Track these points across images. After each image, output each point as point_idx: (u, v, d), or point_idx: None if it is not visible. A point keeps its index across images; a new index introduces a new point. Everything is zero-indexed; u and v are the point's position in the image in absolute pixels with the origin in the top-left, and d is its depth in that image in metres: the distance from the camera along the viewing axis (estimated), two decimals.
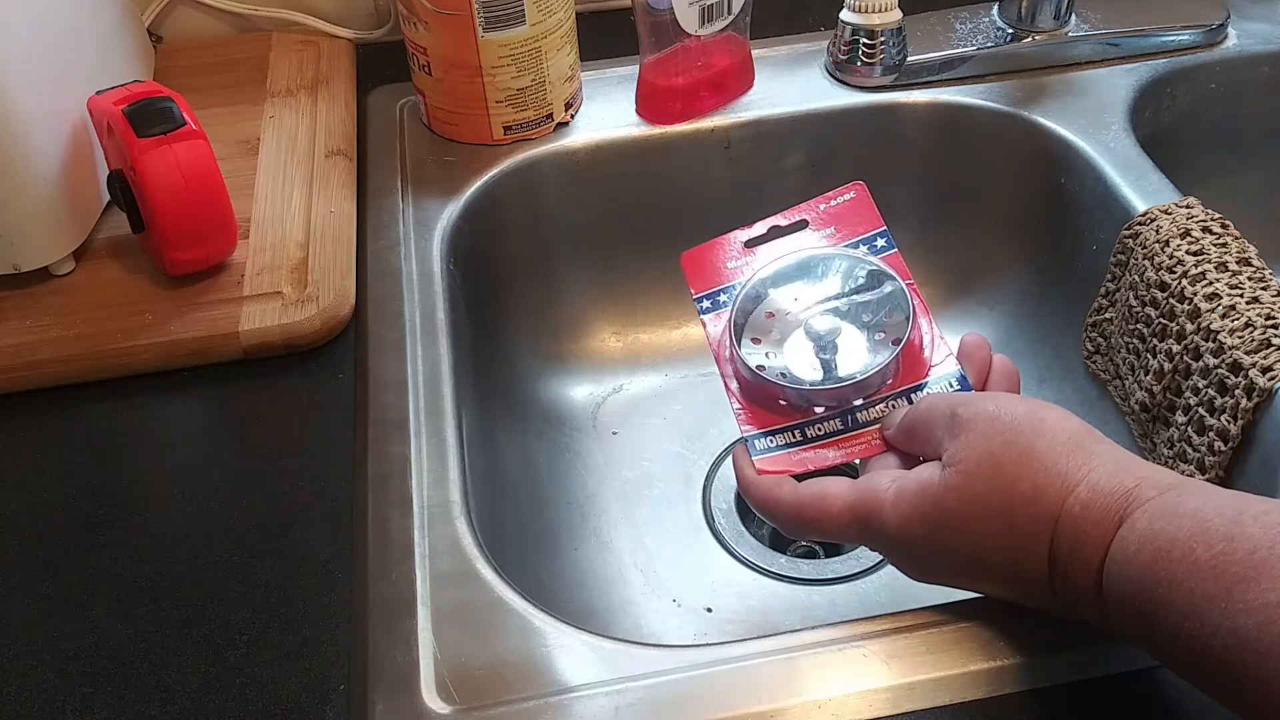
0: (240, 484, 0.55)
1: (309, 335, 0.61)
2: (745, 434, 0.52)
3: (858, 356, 0.52)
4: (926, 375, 0.51)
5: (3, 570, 0.52)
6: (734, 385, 0.53)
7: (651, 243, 0.79)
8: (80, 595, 0.50)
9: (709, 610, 0.67)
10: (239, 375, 0.60)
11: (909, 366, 0.52)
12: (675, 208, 0.78)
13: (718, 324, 0.55)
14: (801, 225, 0.57)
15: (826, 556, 0.72)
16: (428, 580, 0.50)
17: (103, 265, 0.66)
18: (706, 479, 0.74)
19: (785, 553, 0.71)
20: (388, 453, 0.55)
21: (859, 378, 0.51)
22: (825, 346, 0.52)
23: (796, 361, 0.53)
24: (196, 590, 0.50)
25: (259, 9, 0.86)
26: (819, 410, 0.52)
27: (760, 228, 0.57)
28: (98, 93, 0.63)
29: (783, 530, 0.50)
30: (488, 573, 0.50)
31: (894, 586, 0.68)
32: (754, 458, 0.51)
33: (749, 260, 0.57)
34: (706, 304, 0.56)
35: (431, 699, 0.45)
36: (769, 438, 0.51)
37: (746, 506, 0.73)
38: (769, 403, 0.52)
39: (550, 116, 0.74)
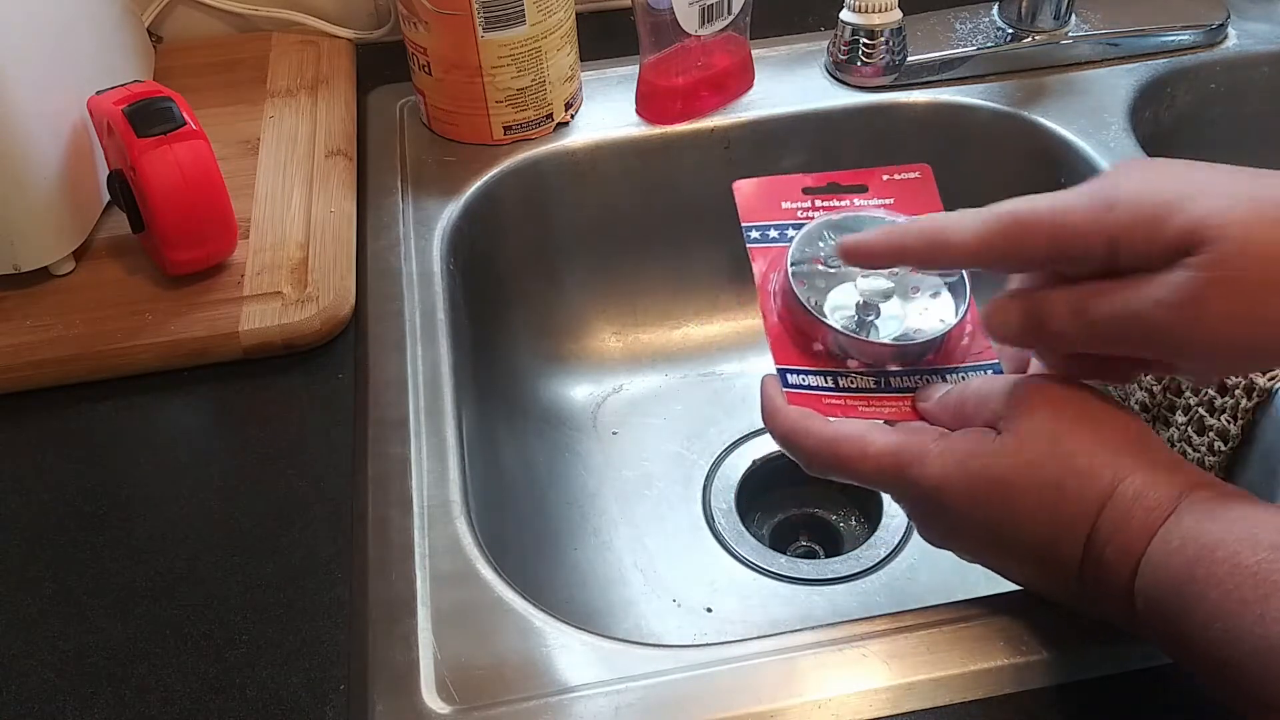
0: (240, 484, 0.55)
1: (309, 335, 0.61)
2: (778, 368, 0.51)
3: (897, 325, 0.52)
4: (962, 362, 0.51)
5: (3, 570, 0.52)
6: (773, 318, 0.52)
7: (651, 243, 0.79)
8: (80, 595, 0.50)
9: (709, 610, 0.67)
10: (239, 375, 0.60)
11: (949, 350, 0.51)
12: (675, 208, 0.78)
13: (764, 258, 0.54)
14: (860, 189, 0.56)
15: (826, 556, 0.72)
16: (428, 580, 0.50)
17: (103, 265, 0.66)
18: (706, 479, 0.74)
19: (785, 553, 0.71)
20: (388, 453, 0.55)
21: (907, 341, 0.50)
22: (870, 307, 0.51)
23: (837, 313, 0.52)
24: (196, 590, 0.50)
25: (259, 9, 0.86)
26: (852, 364, 0.51)
27: (820, 181, 0.56)
28: (98, 93, 0.63)
29: (805, 463, 0.48)
30: (488, 573, 0.50)
31: (894, 586, 0.68)
32: (784, 390, 0.50)
33: (804, 205, 0.56)
34: (755, 234, 0.55)
35: (431, 699, 0.45)
36: (801, 375, 0.50)
37: (746, 506, 0.73)
38: (805, 345, 0.51)
39: (550, 116, 0.74)
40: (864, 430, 0.46)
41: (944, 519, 0.45)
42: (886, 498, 0.72)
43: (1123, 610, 0.40)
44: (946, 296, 0.52)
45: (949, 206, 0.79)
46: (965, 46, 0.77)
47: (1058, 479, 0.41)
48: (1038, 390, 0.44)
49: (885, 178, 0.56)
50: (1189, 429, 0.59)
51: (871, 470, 0.45)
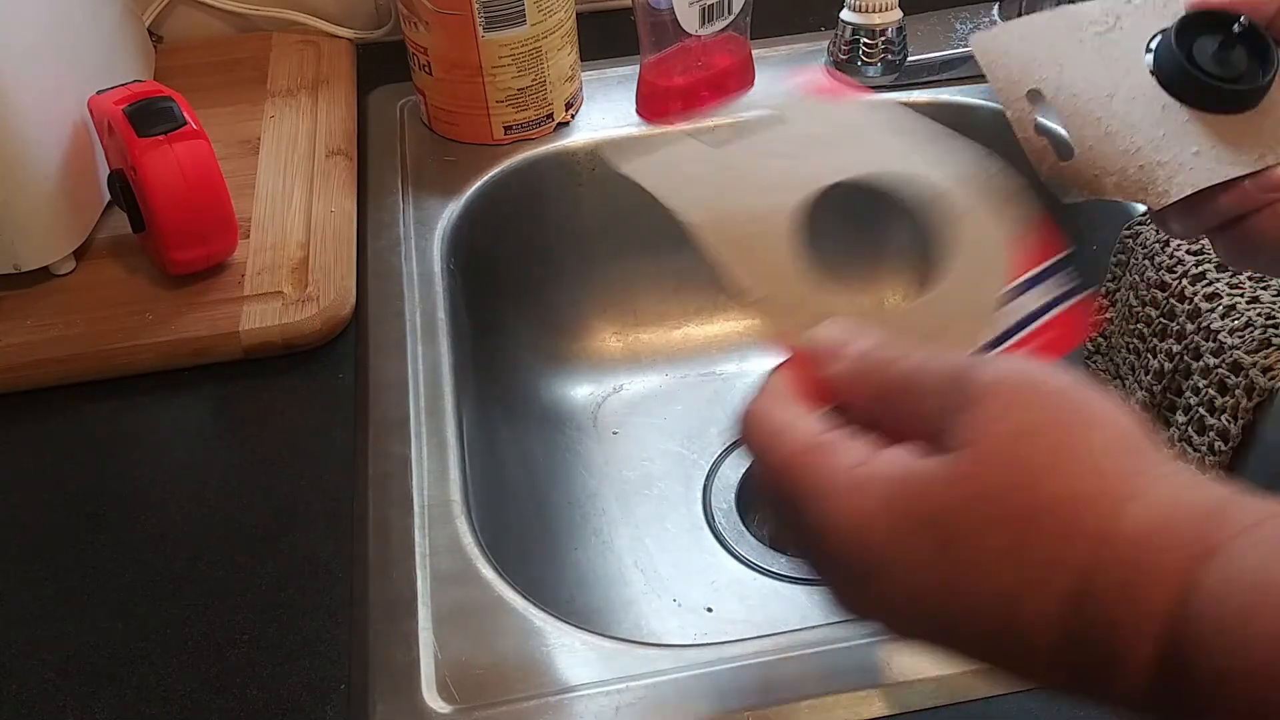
0: (240, 484, 0.55)
1: (309, 335, 0.61)
2: None
3: None
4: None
5: (3, 570, 0.52)
6: None
7: (651, 242, 0.79)
8: (80, 595, 0.50)
9: (709, 610, 0.67)
10: (239, 375, 0.60)
11: None
12: None
13: None
14: None
15: None
16: (428, 580, 0.50)
17: (103, 265, 0.66)
18: (706, 479, 0.74)
19: (785, 553, 0.71)
20: (388, 453, 0.55)
21: None
22: None
23: None
24: (196, 590, 0.50)
25: (259, 9, 0.86)
26: None
27: None
28: (98, 92, 0.63)
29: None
30: (488, 572, 0.50)
31: None
32: None
33: None
34: None
35: (432, 698, 0.45)
36: None
37: (746, 506, 0.73)
38: None
39: (550, 116, 0.74)
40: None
41: (862, 576, 0.32)
42: None
43: (1147, 691, 0.28)
44: None
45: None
46: (965, 46, 0.77)
47: (1025, 515, 0.29)
48: (994, 381, 0.31)
49: None
50: (1189, 429, 0.59)
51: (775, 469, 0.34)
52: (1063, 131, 0.49)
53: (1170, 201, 0.46)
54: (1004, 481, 0.30)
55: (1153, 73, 0.48)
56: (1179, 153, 0.47)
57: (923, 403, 0.33)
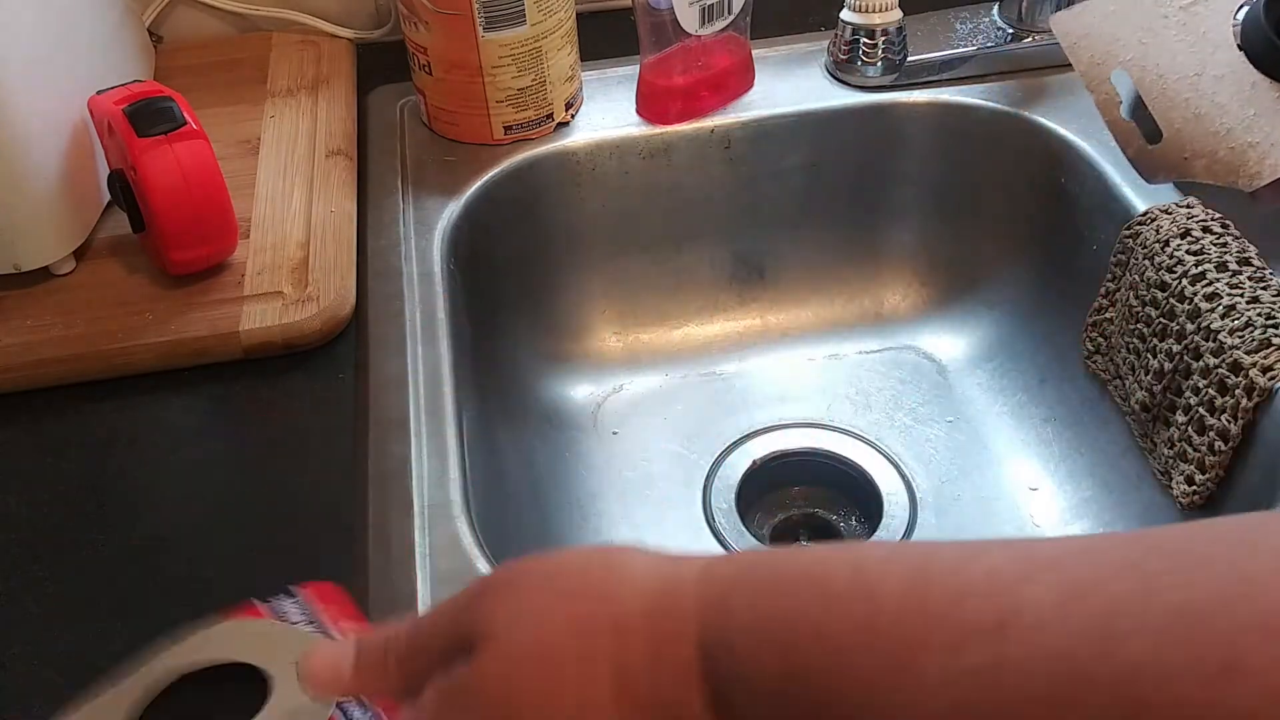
0: (240, 484, 0.55)
1: (309, 335, 0.61)
2: None
3: None
4: None
5: (3, 570, 0.52)
6: None
7: (652, 243, 0.79)
8: (80, 595, 0.50)
9: None
10: (239, 375, 0.60)
11: None
12: (675, 207, 0.78)
13: None
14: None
15: None
16: (428, 580, 0.50)
17: (103, 265, 0.66)
18: (706, 479, 0.74)
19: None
20: (388, 452, 0.55)
21: None
22: None
23: None
24: (197, 590, 0.50)
25: (259, 9, 0.86)
26: None
27: None
28: (98, 92, 0.63)
29: None
30: (488, 572, 0.50)
31: None
32: None
33: None
34: None
35: None
36: None
37: (746, 506, 0.73)
38: None
39: (550, 116, 0.74)
40: None
41: None
42: (887, 496, 0.72)
43: None
44: None
45: (951, 205, 0.80)
46: (965, 46, 0.77)
47: (549, 659, 0.33)
48: (485, 586, 0.35)
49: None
50: (1189, 429, 0.59)
51: None
52: (1150, 114, 0.48)
53: (1262, 184, 0.46)
54: (524, 640, 0.33)
55: (1240, 46, 0.47)
56: (1271, 132, 0.46)
57: (441, 644, 0.35)
